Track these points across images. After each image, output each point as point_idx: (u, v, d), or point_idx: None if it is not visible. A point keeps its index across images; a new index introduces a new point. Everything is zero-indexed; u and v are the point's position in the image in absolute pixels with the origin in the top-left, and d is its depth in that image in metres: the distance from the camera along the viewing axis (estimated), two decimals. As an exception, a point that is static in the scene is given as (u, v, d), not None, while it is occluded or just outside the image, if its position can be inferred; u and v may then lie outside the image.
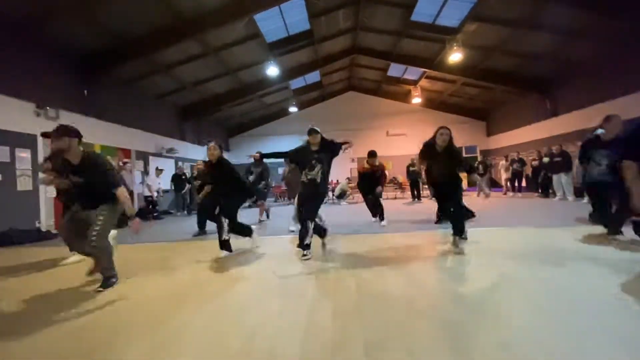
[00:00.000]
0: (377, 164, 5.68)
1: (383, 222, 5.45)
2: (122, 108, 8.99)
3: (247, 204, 5.70)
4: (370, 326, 1.72)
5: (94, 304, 2.30)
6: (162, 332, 1.79)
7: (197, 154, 13.12)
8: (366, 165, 5.76)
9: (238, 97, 12.36)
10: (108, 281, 2.66)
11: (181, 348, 1.60)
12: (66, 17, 6.18)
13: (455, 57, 9.38)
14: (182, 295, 2.43)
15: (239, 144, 16.82)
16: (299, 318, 1.88)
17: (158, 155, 10.30)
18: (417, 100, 14.48)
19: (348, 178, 13.76)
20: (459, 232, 3.41)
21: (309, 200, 3.48)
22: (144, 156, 9.73)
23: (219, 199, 3.89)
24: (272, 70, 9.84)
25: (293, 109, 15.17)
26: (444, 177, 3.47)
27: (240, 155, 16.38)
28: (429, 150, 3.50)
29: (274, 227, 6.00)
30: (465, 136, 15.90)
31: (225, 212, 3.68)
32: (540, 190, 9.96)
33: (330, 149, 3.55)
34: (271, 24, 8.80)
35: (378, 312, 1.92)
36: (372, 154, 5.69)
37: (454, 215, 3.48)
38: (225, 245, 3.64)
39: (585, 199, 7.62)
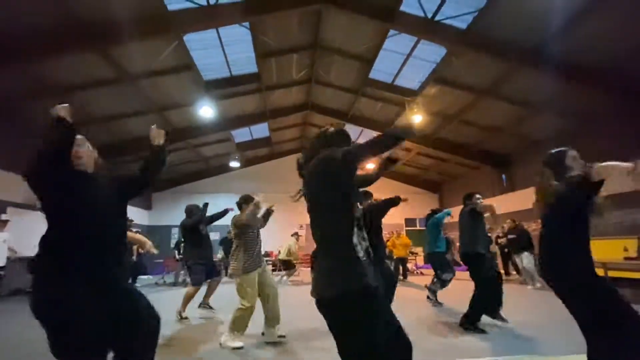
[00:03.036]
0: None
1: None
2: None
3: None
4: None
5: None
6: None
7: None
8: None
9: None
10: None
11: None
12: None
13: (417, 118, 8.62)
14: None
15: (164, 202, 13.95)
16: None
17: (26, 207, 7.25)
18: (370, 165, 13.58)
19: (296, 233, 9.85)
20: None
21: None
22: (-3, 206, 6.71)
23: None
24: (207, 111, 8.08)
25: (235, 164, 13.23)
26: None
27: (164, 216, 13.52)
28: None
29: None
30: (417, 208, 15.05)
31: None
32: (514, 272, 8.76)
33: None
34: (209, 57, 7.33)
35: None
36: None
37: None
38: None
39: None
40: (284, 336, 3.28)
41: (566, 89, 6.66)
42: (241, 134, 12.16)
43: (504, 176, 10.80)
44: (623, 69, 5.94)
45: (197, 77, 7.76)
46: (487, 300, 3.63)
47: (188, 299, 4.42)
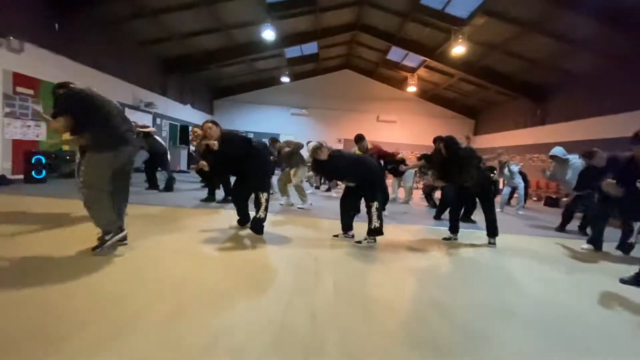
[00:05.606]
0: (368, 147, 5.20)
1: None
2: (97, 51, 8.16)
3: None
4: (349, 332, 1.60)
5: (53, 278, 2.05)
6: (116, 318, 1.60)
7: (179, 112, 12.41)
8: (358, 152, 5.21)
9: (228, 57, 11.60)
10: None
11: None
12: None
13: (458, 49, 9.11)
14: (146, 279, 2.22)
15: (223, 108, 16.08)
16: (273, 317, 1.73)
17: (134, 108, 9.58)
18: (412, 89, 14.22)
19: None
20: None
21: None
22: (119, 107, 9.02)
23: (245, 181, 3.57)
24: (268, 34, 9.19)
25: (285, 79, 14.49)
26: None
27: (223, 121, 15.77)
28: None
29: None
30: (452, 132, 15.84)
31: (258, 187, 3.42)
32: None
33: None
34: (273, -18, 8.11)
35: (360, 318, 1.80)
36: (359, 138, 5.20)
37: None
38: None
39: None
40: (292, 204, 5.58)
41: (607, 30, 6.93)
42: (292, 50, 13.06)
43: (538, 111, 11.25)
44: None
45: (261, 0, 8.69)
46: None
47: None
